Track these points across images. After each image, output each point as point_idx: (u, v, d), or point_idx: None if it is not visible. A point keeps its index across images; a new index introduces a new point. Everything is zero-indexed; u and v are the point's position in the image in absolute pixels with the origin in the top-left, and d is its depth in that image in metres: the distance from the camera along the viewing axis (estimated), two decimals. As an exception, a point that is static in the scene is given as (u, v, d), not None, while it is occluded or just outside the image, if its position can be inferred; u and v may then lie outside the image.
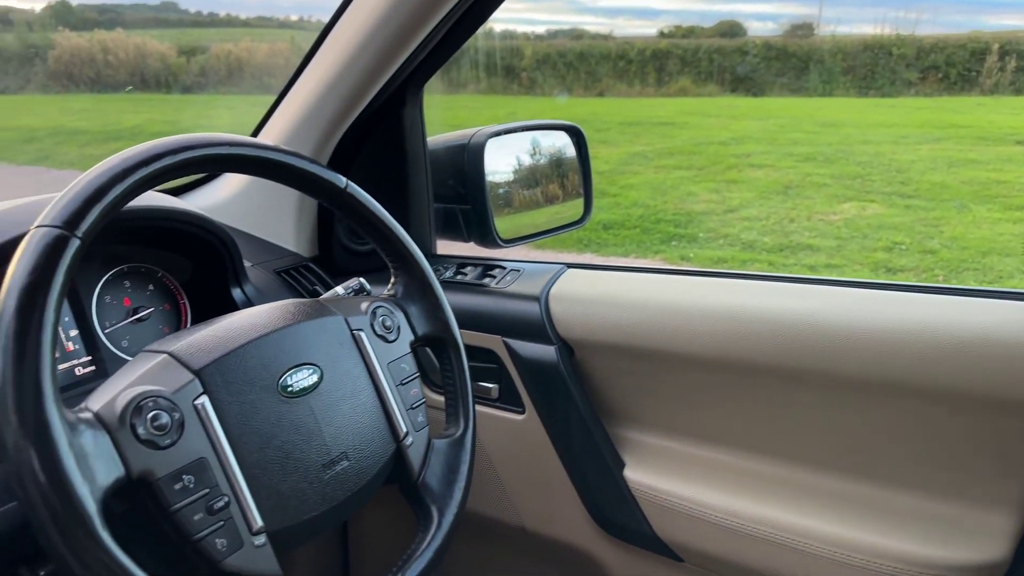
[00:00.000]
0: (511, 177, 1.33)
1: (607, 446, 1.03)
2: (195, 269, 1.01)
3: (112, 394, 0.59)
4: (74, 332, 0.90)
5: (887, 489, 0.89)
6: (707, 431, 1.00)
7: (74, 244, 0.56)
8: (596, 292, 1.04)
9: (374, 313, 0.79)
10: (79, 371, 0.89)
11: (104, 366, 0.91)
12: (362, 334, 0.76)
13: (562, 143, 1.38)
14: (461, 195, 1.25)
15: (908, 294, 0.87)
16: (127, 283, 0.96)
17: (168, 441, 0.59)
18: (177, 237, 0.96)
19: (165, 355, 0.64)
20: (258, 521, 0.62)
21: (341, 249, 1.22)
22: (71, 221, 0.56)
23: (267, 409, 0.66)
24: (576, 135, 1.37)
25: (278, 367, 0.68)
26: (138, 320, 0.96)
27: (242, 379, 0.65)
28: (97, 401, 0.59)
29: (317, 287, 1.15)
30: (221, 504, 0.60)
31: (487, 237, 1.23)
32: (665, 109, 10.63)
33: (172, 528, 0.58)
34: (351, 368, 0.74)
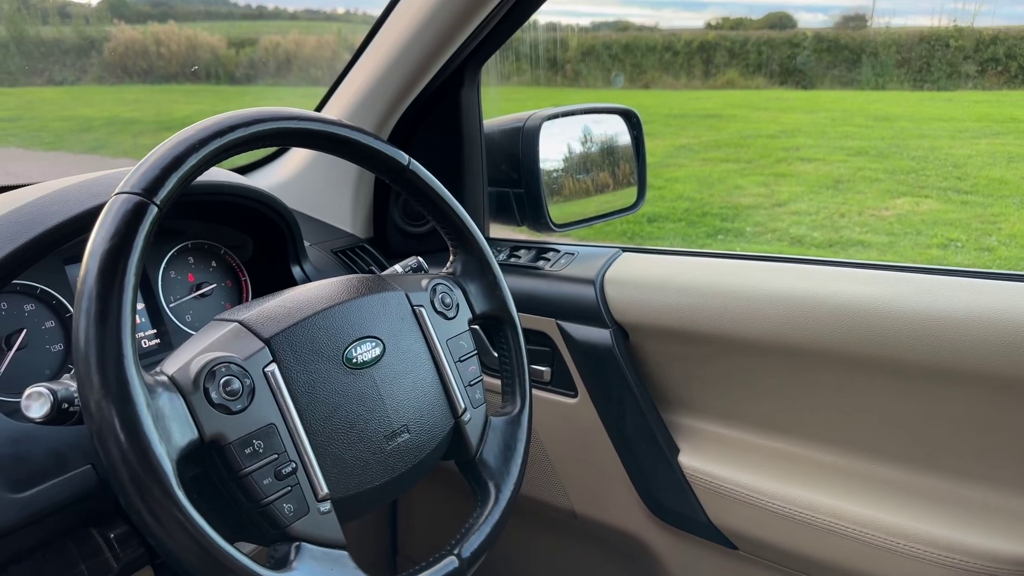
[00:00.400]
0: (564, 161, 1.32)
1: (661, 431, 1.02)
2: (256, 247, 1.03)
3: (186, 359, 0.60)
4: (140, 305, 0.92)
5: (952, 480, 0.87)
6: (765, 418, 0.98)
7: (152, 211, 0.57)
8: (652, 276, 1.03)
9: (434, 290, 0.79)
10: (145, 343, 0.91)
11: (168, 339, 0.93)
12: (422, 310, 0.77)
13: (617, 127, 1.37)
14: (514, 179, 1.25)
15: (977, 280, 0.84)
16: (191, 259, 0.98)
17: (239, 406, 0.60)
18: (240, 214, 0.97)
19: (236, 323, 0.65)
20: (324, 488, 0.63)
21: (396, 230, 1.23)
22: (150, 188, 0.57)
23: (332, 379, 0.67)
24: (631, 119, 1.36)
25: (343, 339, 0.69)
26: (201, 296, 0.98)
27: (309, 349, 0.66)
28: (171, 365, 0.60)
29: (373, 267, 1.16)
30: (289, 470, 0.61)
31: (540, 221, 1.23)
32: (712, 101, 10.48)
33: (241, 491, 0.59)
34: (412, 343, 0.75)
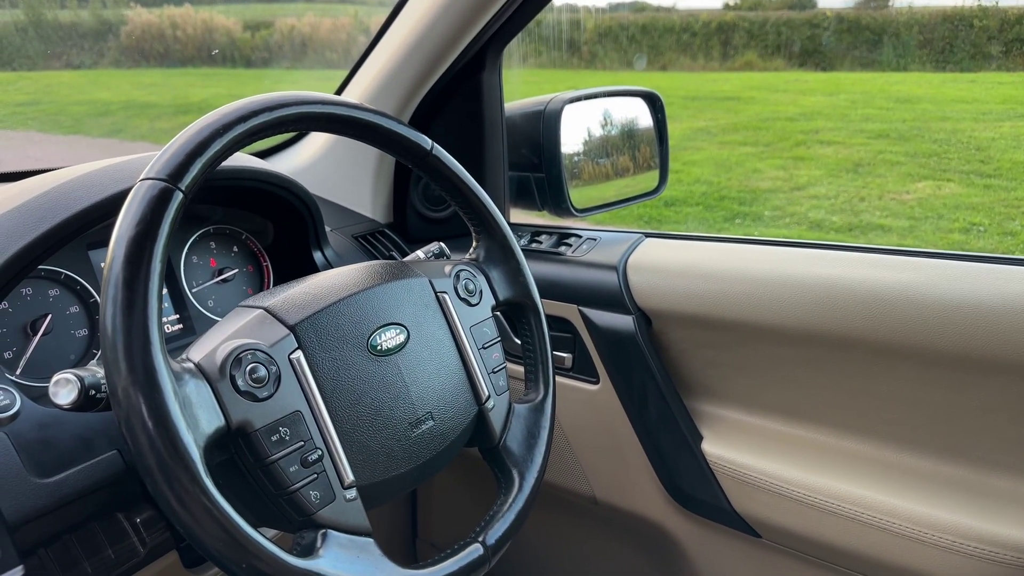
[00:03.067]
0: (585, 145, 1.31)
1: (684, 418, 1.01)
2: (277, 232, 1.02)
3: (212, 346, 0.60)
4: (163, 290, 0.92)
5: (981, 470, 0.85)
6: (789, 405, 0.97)
7: (178, 197, 0.57)
8: (676, 262, 1.01)
9: (457, 276, 0.79)
10: (168, 328, 0.91)
11: (191, 324, 0.93)
12: (446, 296, 0.76)
13: (639, 110, 1.35)
14: (534, 163, 1.24)
15: (1009, 268, 0.83)
16: (213, 244, 0.98)
17: (266, 393, 0.60)
18: (261, 199, 0.97)
19: (261, 310, 0.65)
20: (349, 475, 0.63)
21: (416, 216, 1.22)
22: (175, 175, 0.57)
23: (357, 366, 0.67)
24: (654, 102, 1.34)
25: (367, 326, 0.69)
26: (223, 281, 0.98)
27: (334, 336, 0.66)
28: (197, 352, 0.60)
29: (393, 253, 1.16)
30: (315, 457, 0.61)
31: (561, 206, 1.22)
32: (730, 83, 10.36)
33: (268, 479, 0.59)
34: (435, 330, 0.74)
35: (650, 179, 1.36)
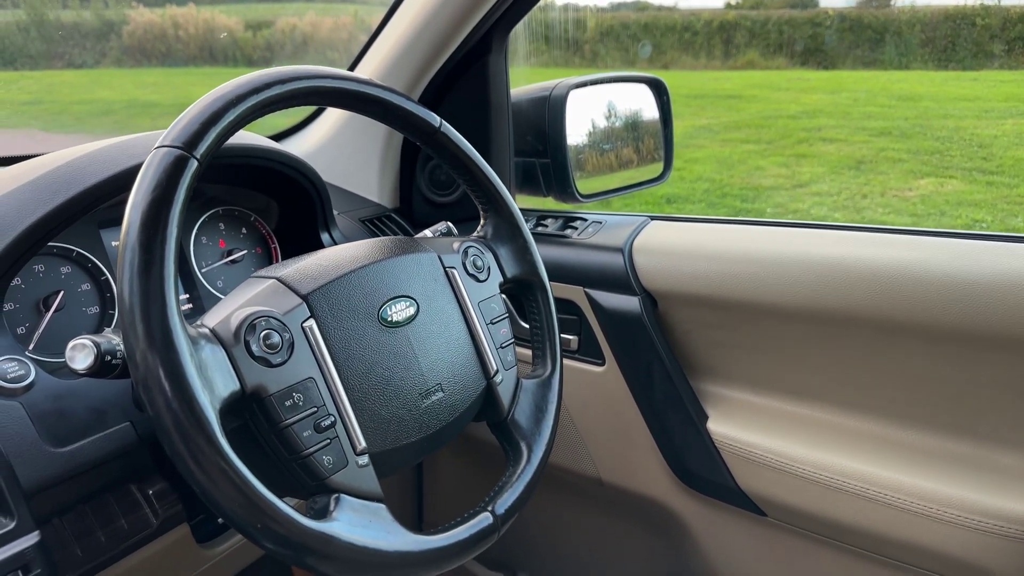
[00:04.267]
0: (590, 131, 1.31)
1: (690, 398, 1.02)
2: (285, 214, 1.03)
3: (226, 313, 0.61)
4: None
5: (987, 446, 0.86)
6: (795, 384, 0.98)
7: (192, 165, 0.58)
8: (681, 243, 1.02)
9: (465, 252, 0.79)
10: (178, 308, 0.92)
11: (201, 303, 0.94)
12: (454, 271, 0.77)
13: (644, 96, 1.35)
14: (539, 149, 1.24)
15: (1014, 245, 0.83)
16: (222, 225, 0.99)
17: (279, 359, 0.60)
18: (270, 181, 0.98)
19: (274, 280, 0.66)
20: (362, 442, 0.63)
21: (422, 200, 1.23)
22: (190, 142, 0.58)
23: (368, 337, 0.67)
24: (658, 88, 1.35)
25: (378, 297, 0.69)
26: (232, 262, 0.98)
27: (345, 306, 0.67)
28: (212, 319, 0.61)
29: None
30: (328, 423, 0.62)
31: (566, 191, 1.23)
32: (732, 82, 10.36)
33: (282, 443, 0.60)
34: (445, 304, 0.75)
35: (655, 166, 1.37)
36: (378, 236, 1.13)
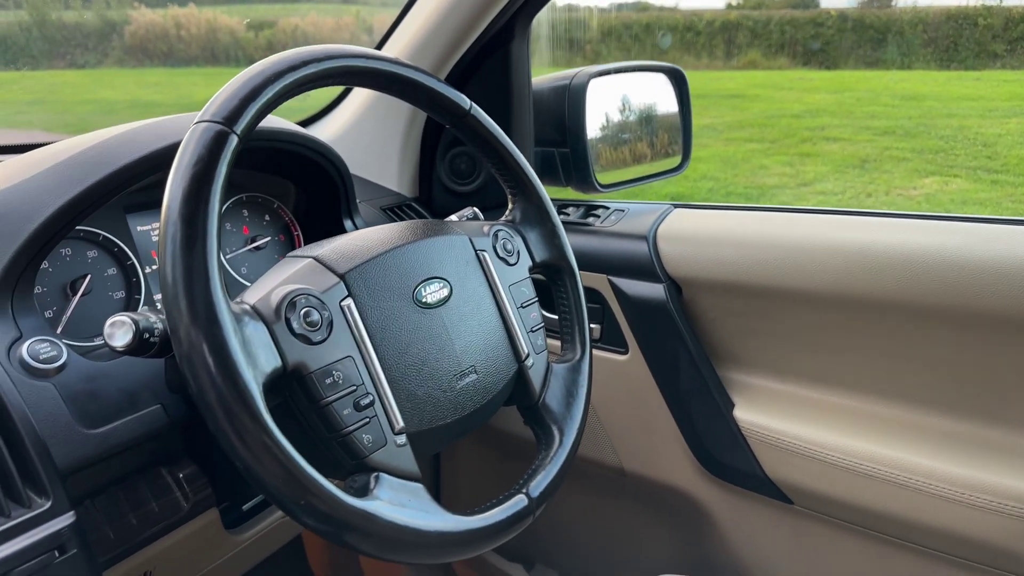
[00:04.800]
0: (610, 120, 1.31)
1: (716, 386, 1.01)
2: (308, 201, 1.03)
3: (266, 290, 0.61)
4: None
5: (1018, 431, 0.85)
6: (822, 371, 0.97)
7: (233, 140, 0.57)
8: (706, 230, 1.02)
9: (496, 235, 0.79)
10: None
11: (227, 290, 0.93)
12: (485, 255, 0.77)
13: (662, 85, 1.35)
14: (558, 139, 1.24)
15: None
16: (246, 212, 0.98)
17: (319, 337, 0.60)
18: (294, 166, 0.97)
19: (311, 259, 0.65)
20: (400, 421, 0.63)
21: (442, 189, 1.23)
22: (230, 118, 0.57)
23: (404, 317, 0.67)
24: (677, 77, 1.34)
25: (413, 278, 0.69)
26: (256, 248, 0.98)
27: (382, 286, 0.66)
28: (252, 296, 0.60)
29: (421, 225, 1.16)
30: (367, 401, 0.61)
31: (586, 181, 1.22)
32: (734, 82, 10.36)
33: (322, 421, 0.59)
34: (477, 286, 0.75)
35: (673, 156, 1.36)
36: None
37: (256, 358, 0.55)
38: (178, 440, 0.74)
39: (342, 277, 0.64)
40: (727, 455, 1.01)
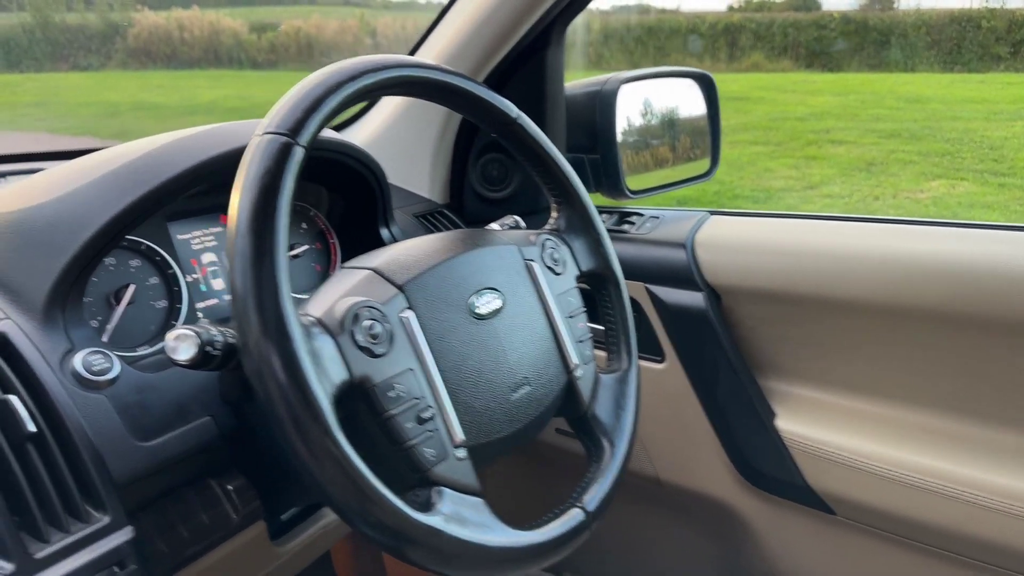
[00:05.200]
0: (639, 126, 1.30)
1: (756, 395, 1.00)
2: (344, 208, 1.02)
3: (329, 303, 0.60)
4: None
5: None
6: (865, 380, 0.96)
7: (299, 152, 0.57)
8: (745, 238, 1.01)
9: (543, 245, 0.78)
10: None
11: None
12: (534, 264, 0.76)
13: (691, 91, 1.34)
14: (587, 145, 1.24)
15: None
16: None
17: (382, 350, 0.59)
18: (329, 173, 0.96)
19: (369, 271, 0.65)
20: (460, 434, 0.62)
21: (474, 196, 1.22)
22: (294, 129, 0.57)
23: (460, 328, 0.66)
24: (706, 83, 1.34)
25: (467, 289, 0.68)
26: (293, 257, 0.97)
27: (438, 297, 0.66)
28: (316, 308, 0.60)
29: (454, 232, 1.15)
30: (429, 415, 0.61)
31: (616, 187, 1.21)
32: (738, 84, 10.35)
33: (385, 434, 0.59)
34: (527, 297, 0.74)
35: (702, 161, 1.36)
36: (434, 232, 1.12)
37: (325, 371, 0.54)
38: (226, 451, 0.73)
39: (401, 288, 0.64)
40: (768, 465, 1.00)
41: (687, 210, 1.12)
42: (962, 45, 11.03)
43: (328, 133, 0.92)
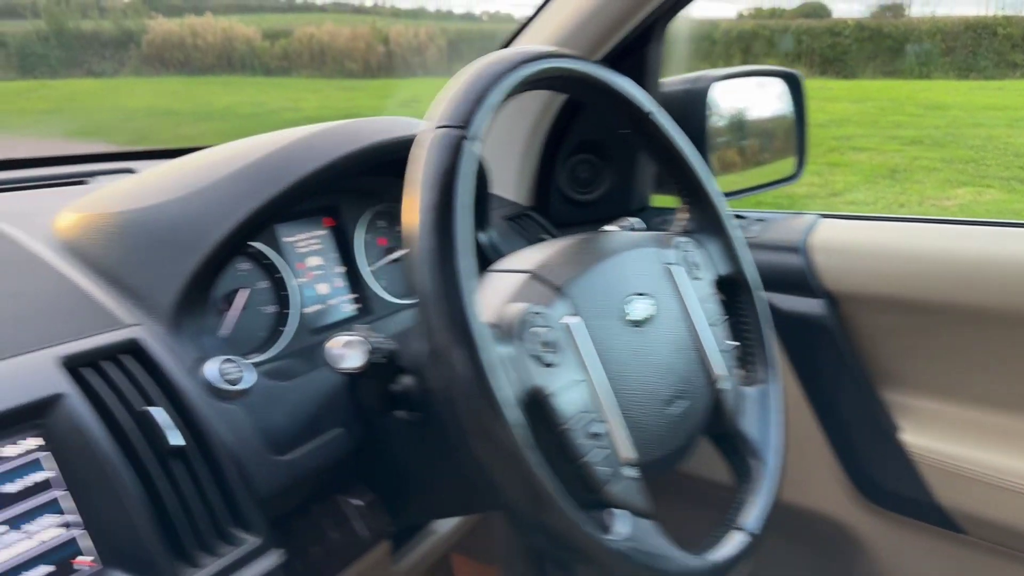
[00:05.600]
0: (726, 125, 1.26)
1: (879, 408, 0.95)
2: None
3: (496, 308, 0.56)
4: (341, 269, 0.87)
5: None
6: (996, 391, 0.91)
7: (476, 145, 0.53)
8: (863, 242, 0.96)
9: (682, 248, 0.74)
10: (344, 308, 0.86)
11: (368, 305, 0.88)
12: (677, 269, 0.71)
13: (778, 91, 1.30)
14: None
15: None
16: (381, 223, 0.93)
17: (553, 359, 0.55)
18: None
19: (527, 273, 0.60)
20: (631, 451, 0.58)
21: (561, 199, 1.17)
22: (467, 122, 0.53)
23: (618, 336, 0.62)
24: (793, 83, 1.30)
25: (620, 293, 0.64)
26: (394, 261, 0.93)
27: (595, 302, 0.61)
28: (485, 314, 0.55)
29: (543, 236, 1.11)
30: (599, 429, 0.56)
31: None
32: (753, 91, 10.31)
33: (561, 448, 0.54)
34: (673, 303, 0.69)
35: (787, 163, 1.31)
36: (523, 235, 1.08)
37: (510, 378, 0.50)
38: (352, 465, 0.69)
39: (563, 293, 0.59)
40: (891, 481, 0.95)
41: (793, 212, 1.08)
42: (978, 52, 11.00)
43: None
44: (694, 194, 0.77)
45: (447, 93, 0.55)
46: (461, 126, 0.53)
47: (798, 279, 0.97)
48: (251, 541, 0.55)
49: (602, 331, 0.60)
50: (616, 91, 0.69)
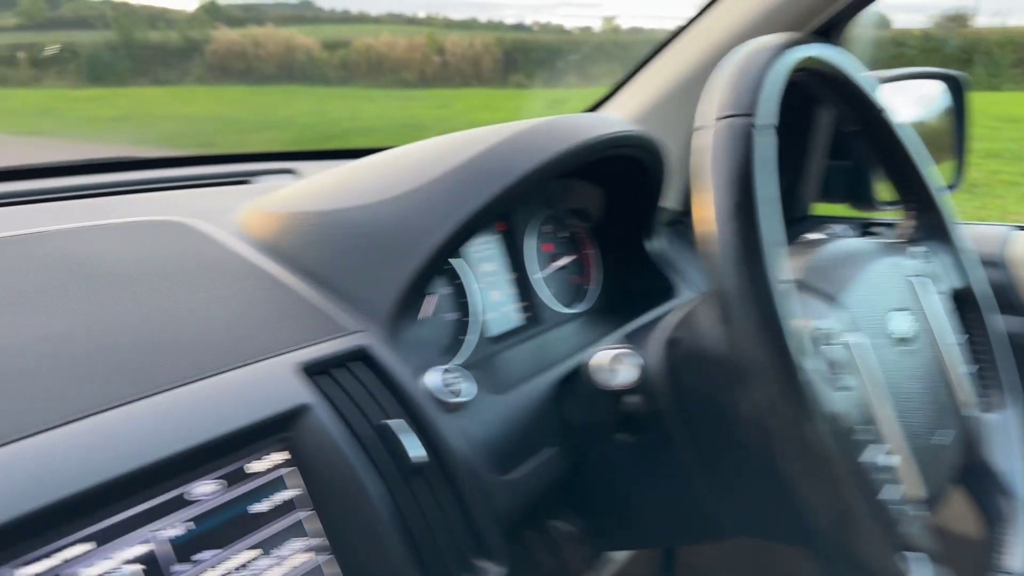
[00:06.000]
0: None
1: None
2: (606, 216, 0.92)
3: None
4: (512, 275, 0.82)
5: None
6: None
7: (772, 135, 0.47)
8: None
9: (922, 259, 0.67)
10: (514, 317, 0.81)
11: (537, 314, 0.83)
12: (922, 281, 0.64)
13: (940, 94, 1.22)
14: (834, 150, 1.13)
15: None
16: (546, 228, 0.88)
17: (843, 382, 0.49)
18: (604, 175, 0.87)
19: (792, 283, 0.54)
20: (921, 488, 0.51)
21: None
22: (758, 111, 0.47)
23: (887, 356, 0.55)
24: (956, 85, 1.22)
25: (882, 308, 0.58)
26: (560, 268, 0.88)
27: (865, 316, 0.55)
28: None
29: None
30: (889, 462, 0.50)
31: (864, 197, 1.10)
32: (816, 103, 10.10)
33: (859, 485, 0.48)
34: (923, 319, 0.63)
35: (945, 171, 1.23)
36: (688, 242, 1.01)
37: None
38: (564, 487, 0.63)
39: (840, 304, 0.53)
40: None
41: (976, 223, 0.99)
42: (1053, 63, 10.60)
43: (630, 126, 0.82)
44: (921, 202, 0.71)
45: (717, 84, 0.50)
46: (747, 113, 0.47)
47: (999, 295, 0.88)
48: (495, 572, 0.49)
49: (877, 350, 0.54)
50: (855, 84, 0.63)
